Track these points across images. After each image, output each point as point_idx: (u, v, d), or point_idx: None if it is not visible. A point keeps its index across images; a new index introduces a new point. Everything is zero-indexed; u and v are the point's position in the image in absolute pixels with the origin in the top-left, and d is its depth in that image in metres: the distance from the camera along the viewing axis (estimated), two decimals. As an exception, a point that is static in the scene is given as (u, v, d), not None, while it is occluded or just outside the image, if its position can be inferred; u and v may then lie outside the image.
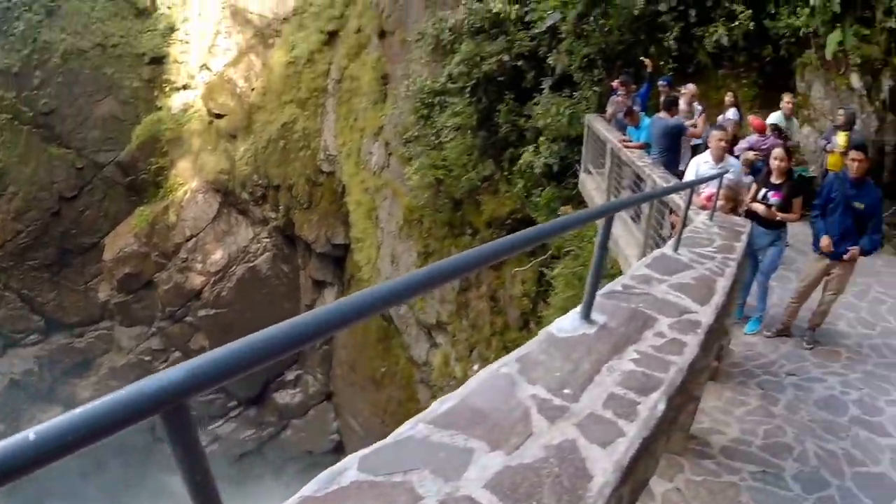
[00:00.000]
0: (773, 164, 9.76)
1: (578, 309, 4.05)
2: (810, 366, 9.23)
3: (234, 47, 37.91)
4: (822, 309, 9.75)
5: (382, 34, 28.73)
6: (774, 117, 13.66)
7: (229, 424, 34.88)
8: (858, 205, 8.99)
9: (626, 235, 12.41)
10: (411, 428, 2.71)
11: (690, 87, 14.95)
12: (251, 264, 35.10)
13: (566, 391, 3.12)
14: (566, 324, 3.89)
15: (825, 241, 9.15)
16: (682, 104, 14.11)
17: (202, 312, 35.05)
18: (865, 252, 9.14)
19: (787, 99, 14.04)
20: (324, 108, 33.40)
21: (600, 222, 4.03)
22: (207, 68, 38.46)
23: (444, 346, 23.98)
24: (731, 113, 14.92)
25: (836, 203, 9.15)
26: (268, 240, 35.16)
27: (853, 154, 9.18)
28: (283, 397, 34.80)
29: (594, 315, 4.03)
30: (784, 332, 10.00)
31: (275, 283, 34.77)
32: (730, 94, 15.59)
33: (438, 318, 24.12)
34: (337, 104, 32.14)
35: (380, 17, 28.87)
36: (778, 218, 9.60)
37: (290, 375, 34.90)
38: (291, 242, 34.92)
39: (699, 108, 14.84)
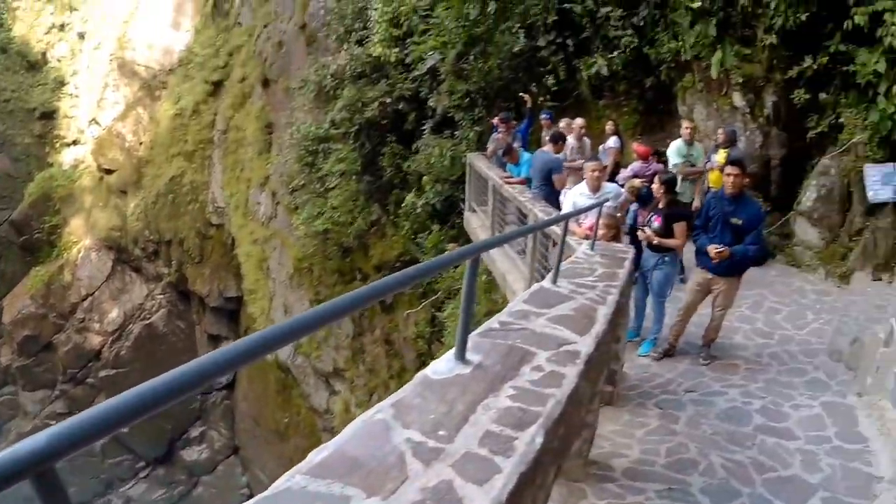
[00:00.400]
0: (654, 189, 9.80)
1: (454, 350, 3.88)
2: (709, 380, 9.11)
3: (121, 100, 37.08)
4: (713, 325, 9.62)
5: (266, 83, 28.25)
6: (675, 146, 13.35)
7: (140, 485, 33.27)
8: (736, 220, 8.90)
9: (513, 271, 12.22)
10: (288, 479, 2.58)
11: (578, 122, 14.66)
12: (147, 322, 34.07)
13: (441, 433, 3.02)
14: (441, 366, 3.73)
15: (713, 247, 8.93)
16: (571, 140, 13.92)
17: (103, 373, 33.81)
18: (737, 258, 8.97)
19: (685, 125, 13.66)
20: (210, 160, 32.73)
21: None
22: (97, 123, 37.56)
23: (344, 392, 23.50)
24: (612, 141, 14.81)
25: (715, 221, 9.05)
26: (162, 296, 34.21)
27: (728, 169, 9.08)
28: (191, 454, 33.47)
29: (470, 355, 3.87)
30: (670, 351, 9.80)
31: (172, 339, 33.75)
32: (610, 122, 15.42)
33: (335, 365, 23.67)
34: (223, 155, 31.50)
35: (263, 66, 28.41)
36: (655, 242, 9.55)
37: (195, 432, 33.68)
38: (186, 298, 34.03)
39: (588, 141, 14.65)
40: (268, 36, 28.36)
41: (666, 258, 9.68)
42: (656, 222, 9.56)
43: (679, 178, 11.92)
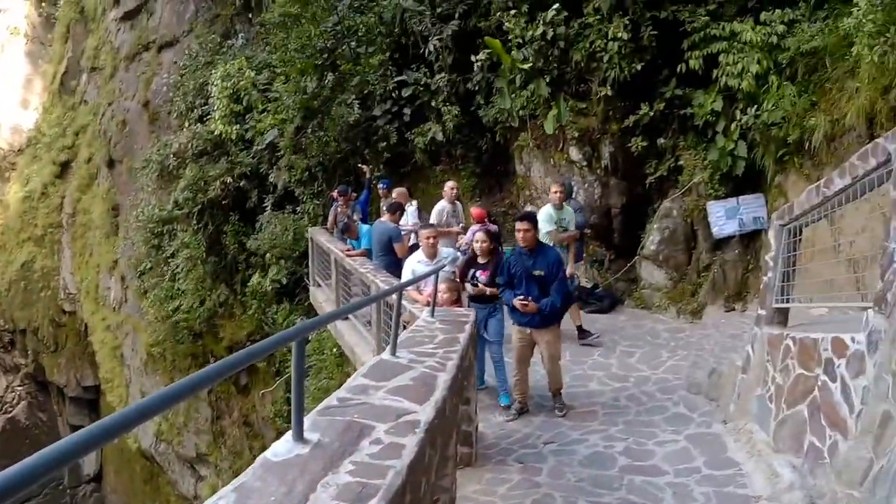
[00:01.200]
0: (476, 246, 9.84)
1: (292, 431, 3.87)
2: (567, 430, 8.92)
3: (-28, 183, 35.58)
4: (552, 377, 9.45)
5: (111, 163, 27.64)
6: (545, 211, 12.34)
7: (17, 584, 31.38)
8: (539, 272, 8.95)
9: (361, 343, 11.98)
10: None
11: (450, 184, 14.20)
12: (10, 415, 32.94)
13: (282, 514, 3.01)
14: (280, 447, 3.68)
15: (518, 300, 8.91)
16: (444, 203, 13.71)
17: (-30, 471, 31.90)
18: (546, 311, 8.97)
19: (554, 189, 12.56)
20: (60, 245, 31.86)
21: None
22: (-52, 207, 35.73)
23: (210, 477, 22.80)
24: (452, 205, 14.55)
25: (518, 276, 9.07)
26: (21, 388, 33.26)
27: (518, 225, 9.10)
28: (65, 551, 31.83)
29: (308, 434, 3.83)
30: (523, 409, 9.54)
31: (35, 432, 32.58)
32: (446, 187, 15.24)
33: (197, 450, 23.04)
34: (72, 240, 30.75)
35: (108, 146, 27.78)
36: (488, 293, 9.53)
37: (69, 527, 32.04)
38: (45, 388, 33.09)
39: (460, 205, 14.52)
40: (112, 114, 27.75)
41: (497, 306, 9.73)
42: (483, 275, 9.59)
43: (551, 244, 11.58)
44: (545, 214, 12.08)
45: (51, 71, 36.07)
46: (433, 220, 13.31)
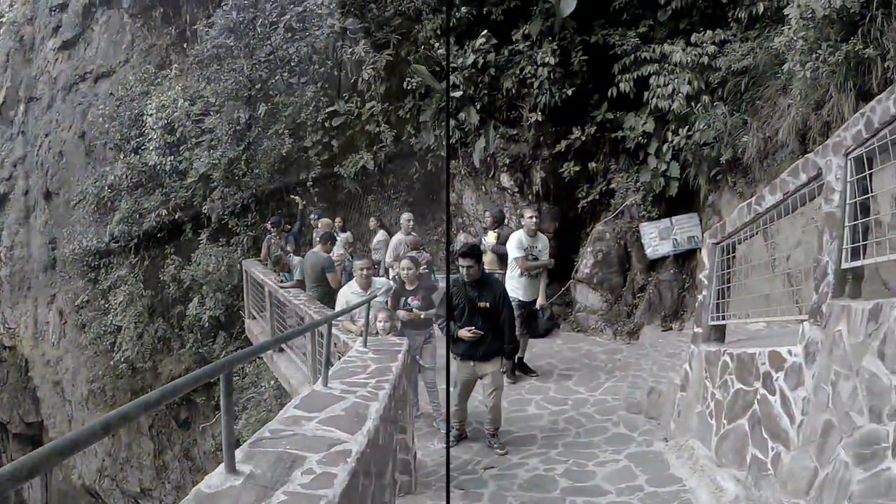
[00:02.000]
0: (403, 273, 9.80)
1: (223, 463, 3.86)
2: (507, 454, 8.83)
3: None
4: (492, 412, 9.20)
5: (48, 195, 27.22)
6: (516, 237, 11.48)
7: None
8: (483, 304, 8.75)
9: (297, 375, 11.87)
10: None
11: (406, 216, 13.69)
12: (-47, 452, 31.59)
13: (215, 546, 2.92)
14: (213, 480, 3.66)
15: (467, 331, 8.70)
16: (401, 235, 13.42)
17: (-83, 514, 31.01)
18: (511, 355, 9.19)
19: (528, 214, 11.55)
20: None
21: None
22: None
23: None
24: (381, 235, 14.65)
25: (461, 307, 8.88)
26: (-36, 425, 31.83)
27: (461, 261, 8.85)
28: (10, 591, 30.94)
29: (241, 466, 3.82)
30: (462, 436, 9.46)
31: (-21, 469, 31.28)
32: (372, 218, 15.43)
33: (141, 485, 22.74)
34: (10, 273, 30.08)
35: (45, 178, 27.38)
36: (423, 317, 9.50)
37: (13, 570, 31.24)
38: None
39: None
40: (49, 146, 27.31)
41: (431, 331, 9.71)
42: (415, 301, 9.54)
43: (518, 273, 11.20)
44: (516, 241, 11.36)
45: (-11, 101, 35.38)
46: (391, 253, 13.25)
